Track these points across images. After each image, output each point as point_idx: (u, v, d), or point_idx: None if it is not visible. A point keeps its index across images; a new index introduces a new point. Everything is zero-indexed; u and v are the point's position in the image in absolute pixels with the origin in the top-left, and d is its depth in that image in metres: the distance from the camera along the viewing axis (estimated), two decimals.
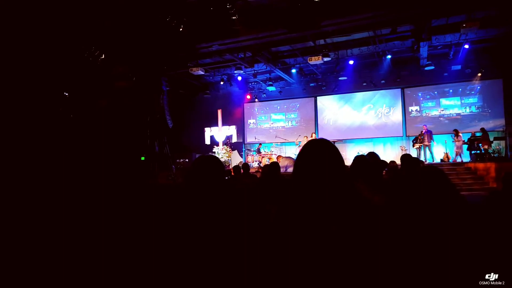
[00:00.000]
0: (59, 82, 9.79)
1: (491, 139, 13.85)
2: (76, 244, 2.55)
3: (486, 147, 13.34)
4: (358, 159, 3.78)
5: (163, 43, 11.93)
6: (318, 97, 18.11)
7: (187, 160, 16.31)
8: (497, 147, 13.99)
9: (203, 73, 14.09)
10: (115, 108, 11.43)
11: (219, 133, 17.31)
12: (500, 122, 15.02)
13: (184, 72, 14.91)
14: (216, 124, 17.49)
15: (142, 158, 15.84)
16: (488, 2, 10.43)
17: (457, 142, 14.03)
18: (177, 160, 16.30)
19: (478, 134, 14.06)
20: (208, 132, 17.59)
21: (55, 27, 8.99)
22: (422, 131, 14.40)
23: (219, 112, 17.37)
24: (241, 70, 15.08)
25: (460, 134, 14.13)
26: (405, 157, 5.47)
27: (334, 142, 16.44)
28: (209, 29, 11.54)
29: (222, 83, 16.92)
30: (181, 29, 10.30)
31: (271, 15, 10.90)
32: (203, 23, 11.29)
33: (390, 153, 15.65)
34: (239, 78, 16.72)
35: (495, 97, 15.16)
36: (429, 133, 14.24)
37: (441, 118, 15.93)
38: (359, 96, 17.32)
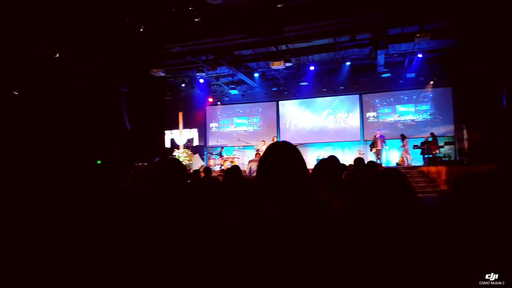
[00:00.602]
0: (9, 81, 9.25)
1: (442, 144, 14.63)
2: (34, 248, 2.40)
3: (436, 151, 14.09)
4: (322, 162, 3.84)
5: (123, 43, 11.60)
6: (280, 102, 18.31)
7: (146, 163, 15.89)
8: (447, 152, 14.75)
9: (164, 74, 13.82)
10: (71, 109, 10.95)
11: (180, 136, 17.01)
12: (450, 128, 15.88)
13: (144, 73, 14.56)
14: (177, 127, 17.19)
15: (99, 162, 15.29)
16: (438, 15, 11.01)
17: (403, 147, 14.76)
18: (136, 164, 15.84)
19: (430, 139, 14.78)
20: (169, 135, 17.24)
21: (7, 25, 8.50)
22: (375, 136, 14.94)
23: (180, 114, 17.08)
24: (203, 72, 14.94)
25: (406, 138, 14.86)
26: (358, 160, 5.63)
27: (296, 145, 16.72)
28: (171, 31, 11.36)
29: (183, 85, 16.69)
30: (141, 30, 10.04)
31: (234, 19, 10.91)
32: (165, 24, 11.11)
33: (348, 157, 16.07)
34: (201, 80, 16.58)
35: (446, 105, 16.02)
36: (382, 138, 14.79)
37: (397, 124, 16.60)
38: (320, 101, 17.70)
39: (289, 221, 1.54)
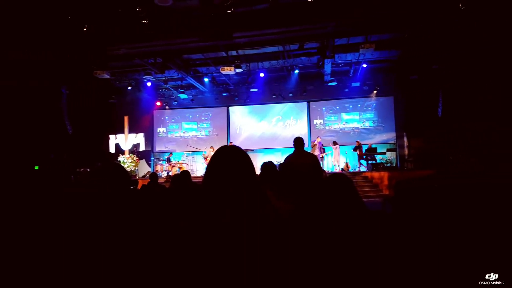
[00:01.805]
0: None
1: (385, 150, 15.36)
2: None
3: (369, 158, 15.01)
4: (266, 166, 3.82)
5: (64, 42, 10.93)
6: (230, 107, 18.26)
7: (88, 169, 15.09)
8: (389, 158, 15.50)
9: (109, 76, 13.20)
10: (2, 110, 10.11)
11: (125, 141, 16.36)
12: (392, 135, 16.73)
13: (87, 75, 13.82)
14: (122, 131, 16.52)
15: (36, 168, 14.29)
16: (382, 28, 11.58)
17: (335, 151, 15.48)
18: (77, 169, 14.98)
19: (374, 146, 15.47)
20: (113, 139, 16.52)
21: None
22: (313, 142, 15.36)
23: (126, 118, 16.45)
24: (151, 75, 14.51)
25: (337, 144, 15.48)
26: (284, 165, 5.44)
27: (246, 151, 16.71)
28: (117, 31, 10.89)
29: (130, 88, 16.09)
30: (84, 29, 9.52)
31: (183, 22, 10.69)
32: (111, 24, 10.63)
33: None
34: (149, 84, 16.08)
35: (388, 113, 16.87)
36: (320, 145, 15.25)
37: (343, 131, 17.19)
38: (269, 107, 17.89)
39: (240, 226, 1.48)
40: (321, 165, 15.23)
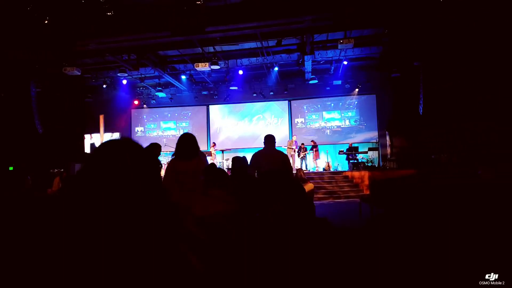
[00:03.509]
0: None
1: (366, 149, 15.08)
2: None
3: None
4: (210, 167, 3.57)
5: (28, 36, 10.39)
6: (210, 106, 17.83)
7: (62, 169, 14.52)
8: (371, 157, 15.23)
9: (79, 73, 12.67)
10: None
11: (100, 140, 15.79)
12: (374, 134, 16.48)
13: (59, 72, 13.28)
14: (97, 131, 15.96)
15: (11, 168, 13.73)
16: (360, 23, 11.25)
17: (313, 151, 15.21)
18: (51, 170, 14.41)
19: (355, 145, 15.18)
20: (88, 139, 15.95)
21: None
22: (290, 141, 15.00)
23: (101, 117, 15.89)
24: (125, 73, 14.00)
25: (316, 144, 15.16)
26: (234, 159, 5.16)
27: (226, 150, 16.42)
28: (85, 26, 10.40)
29: (104, 86, 15.53)
30: (46, 21, 9.00)
31: (154, 16, 10.26)
32: (77, 18, 10.13)
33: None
34: (124, 81, 15.55)
35: (370, 111, 16.61)
36: (296, 144, 14.97)
37: (324, 130, 16.88)
38: (250, 106, 17.51)
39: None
40: (303, 165, 14.98)
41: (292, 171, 5.62)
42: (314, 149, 15.15)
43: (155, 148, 5.06)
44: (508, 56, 11.82)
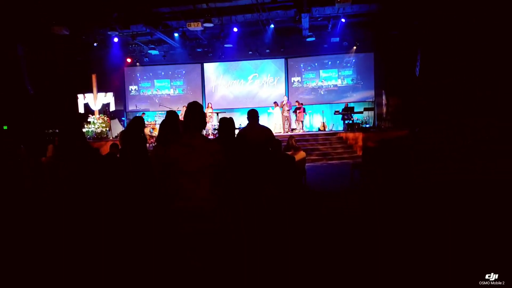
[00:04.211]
0: None
1: (362, 109, 15.00)
2: None
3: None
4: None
5: None
6: (204, 64, 17.44)
7: (57, 130, 14.46)
8: (365, 118, 15.18)
9: (67, 33, 12.25)
10: None
11: (94, 100, 15.61)
12: (371, 93, 16.32)
13: (47, 31, 12.80)
14: (90, 91, 15.72)
15: (5, 127, 13.67)
16: None
17: (299, 112, 14.99)
18: (46, 131, 14.36)
19: (351, 105, 15.08)
20: (82, 99, 15.72)
21: None
22: (282, 102, 14.81)
23: (94, 77, 15.59)
24: (116, 31, 13.55)
25: (278, 105, 14.94)
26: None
27: (222, 109, 16.25)
28: None
29: (95, 44, 15.07)
30: None
31: None
32: None
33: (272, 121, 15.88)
34: (116, 39, 15.06)
35: (367, 70, 16.33)
36: (289, 103, 14.82)
37: (320, 90, 16.66)
38: (245, 64, 17.14)
39: None
40: (299, 125, 14.96)
41: (279, 145, 5.58)
42: (298, 111, 14.96)
43: (139, 123, 4.99)
44: (507, 51, 11.56)
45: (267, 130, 5.04)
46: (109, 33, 13.99)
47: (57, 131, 14.60)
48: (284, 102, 14.63)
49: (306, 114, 15.42)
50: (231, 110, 16.59)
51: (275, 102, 15.21)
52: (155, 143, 4.30)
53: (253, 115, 5.02)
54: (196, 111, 2.73)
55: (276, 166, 5.10)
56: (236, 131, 4.57)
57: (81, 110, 15.76)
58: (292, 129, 15.08)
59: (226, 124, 3.96)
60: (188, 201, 2.42)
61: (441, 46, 13.37)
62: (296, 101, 15.37)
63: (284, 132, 14.37)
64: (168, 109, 16.03)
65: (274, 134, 5.57)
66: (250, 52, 16.36)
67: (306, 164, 9.30)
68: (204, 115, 2.84)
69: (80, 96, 15.68)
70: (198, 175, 2.46)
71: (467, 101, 12.75)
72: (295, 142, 7.47)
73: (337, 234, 3.98)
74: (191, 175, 2.46)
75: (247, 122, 5.07)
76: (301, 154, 7.09)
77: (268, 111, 15.38)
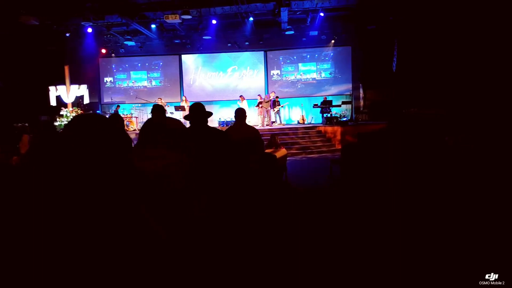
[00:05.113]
0: None
1: (340, 103, 15.16)
2: None
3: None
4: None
5: None
6: (183, 56, 17.15)
7: (27, 124, 13.96)
8: (344, 112, 15.35)
9: (37, 23, 11.75)
10: None
11: (67, 93, 15.11)
12: (348, 86, 16.51)
13: (15, 21, 12.23)
14: (63, 83, 15.19)
15: None
16: None
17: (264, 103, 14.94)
18: (15, 125, 13.83)
19: (329, 98, 15.21)
20: (54, 91, 15.16)
21: None
22: (268, 96, 14.85)
23: (66, 68, 15.07)
24: (90, 21, 13.10)
25: (244, 100, 14.99)
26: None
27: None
28: None
29: (68, 34, 14.52)
30: None
31: None
32: None
33: (253, 115, 15.84)
34: (89, 30, 14.55)
35: (345, 63, 16.48)
36: (267, 97, 14.86)
37: (299, 83, 16.72)
38: (225, 56, 16.97)
39: None
40: (278, 118, 15.01)
41: (263, 145, 5.56)
42: (276, 104, 14.99)
43: (117, 120, 4.86)
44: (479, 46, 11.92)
45: (254, 131, 5.02)
46: (82, 23, 13.52)
47: (26, 124, 14.10)
48: (271, 98, 14.66)
49: (282, 107, 15.47)
50: (210, 102, 16.42)
51: (241, 96, 15.09)
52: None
53: (241, 114, 4.97)
54: None
55: (259, 165, 5.09)
56: (216, 124, 4.49)
57: (53, 103, 15.21)
58: (272, 122, 15.12)
59: (197, 110, 3.41)
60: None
61: (416, 41, 13.63)
62: (273, 91, 15.44)
63: (263, 126, 14.38)
64: (145, 101, 15.78)
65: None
66: (229, 44, 16.20)
67: (287, 158, 9.38)
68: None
69: (52, 88, 15.12)
70: None
71: (437, 94, 13.13)
72: (278, 139, 7.52)
73: (317, 232, 4.01)
74: None
75: (228, 116, 5.04)
76: (282, 152, 7.12)
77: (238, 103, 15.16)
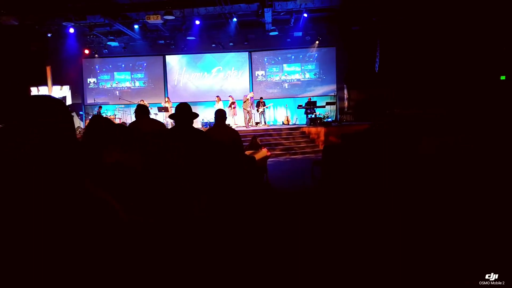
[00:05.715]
0: None
1: (324, 104, 15.23)
2: None
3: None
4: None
5: None
6: (167, 56, 17.04)
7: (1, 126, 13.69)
8: (326, 113, 15.41)
9: (16, 23, 11.56)
10: None
11: (49, 93, 14.88)
12: (333, 87, 16.60)
13: None
14: (45, 83, 14.97)
15: None
16: None
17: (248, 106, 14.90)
18: None
19: (314, 99, 15.27)
20: (35, 92, 14.94)
21: None
22: (246, 96, 14.81)
23: (48, 69, 14.86)
24: (71, 21, 12.93)
25: (221, 100, 14.89)
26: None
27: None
28: None
29: (49, 35, 14.31)
30: None
31: None
32: None
33: (240, 116, 15.77)
34: (71, 30, 14.34)
35: (329, 64, 16.57)
36: (252, 100, 14.89)
37: (284, 84, 16.76)
38: (209, 57, 16.92)
39: None
40: (262, 119, 15.00)
41: (243, 147, 5.57)
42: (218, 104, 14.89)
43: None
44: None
45: (234, 132, 5.01)
46: (64, 23, 13.33)
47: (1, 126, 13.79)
48: (248, 98, 14.62)
49: (267, 107, 15.49)
50: (194, 103, 16.28)
51: (217, 96, 14.99)
52: None
53: (221, 115, 4.95)
54: None
55: (238, 167, 5.09)
56: (199, 125, 4.47)
57: None
58: (256, 123, 15.12)
59: (182, 110, 3.38)
60: None
61: (399, 41, 13.79)
62: (251, 92, 15.46)
63: (247, 127, 14.36)
64: (128, 102, 15.62)
65: (237, 129, 5.54)
66: (213, 45, 16.16)
67: (270, 159, 9.37)
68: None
69: (33, 89, 14.90)
70: None
71: (420, 94, 13.32)
72: (258, 141, 7.54)
73: (293, 232, 4.03)
74: None
75: (211, 117, 5.03)
76: (262, 153, 7.12)
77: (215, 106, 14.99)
